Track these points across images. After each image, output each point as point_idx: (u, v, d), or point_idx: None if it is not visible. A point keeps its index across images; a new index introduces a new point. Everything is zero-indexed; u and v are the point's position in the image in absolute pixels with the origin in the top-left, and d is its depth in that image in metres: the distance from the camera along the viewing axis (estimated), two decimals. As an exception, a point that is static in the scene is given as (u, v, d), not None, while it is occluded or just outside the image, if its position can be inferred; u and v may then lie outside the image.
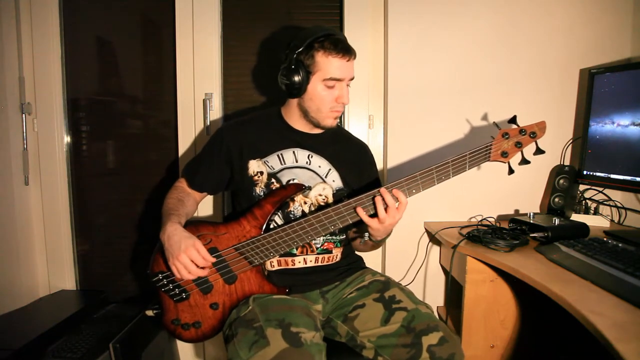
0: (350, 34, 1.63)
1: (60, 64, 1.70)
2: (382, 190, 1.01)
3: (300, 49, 1.09)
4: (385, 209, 1.01)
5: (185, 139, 1.69)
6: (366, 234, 1.10)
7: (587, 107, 1.42)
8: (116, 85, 1.79)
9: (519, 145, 1.02)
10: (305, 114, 1.17)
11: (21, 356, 1.24)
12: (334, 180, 1.21)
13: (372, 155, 1.35)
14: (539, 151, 1.02)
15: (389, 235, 1.12)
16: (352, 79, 1.15)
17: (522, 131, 1.02)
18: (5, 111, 1.62)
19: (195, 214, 1.51)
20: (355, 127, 1.68)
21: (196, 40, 1.64)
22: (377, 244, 1.17)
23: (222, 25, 1.67)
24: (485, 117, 1.58)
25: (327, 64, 1.09)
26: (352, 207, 1.04)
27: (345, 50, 1.09)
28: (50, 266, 1.76)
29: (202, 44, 1.64)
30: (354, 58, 1.13)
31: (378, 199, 1.01)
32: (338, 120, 1.20)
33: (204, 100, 1.65)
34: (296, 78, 1.09)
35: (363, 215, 1.02)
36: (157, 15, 1.73)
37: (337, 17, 1.67)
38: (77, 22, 1.72)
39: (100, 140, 1.79)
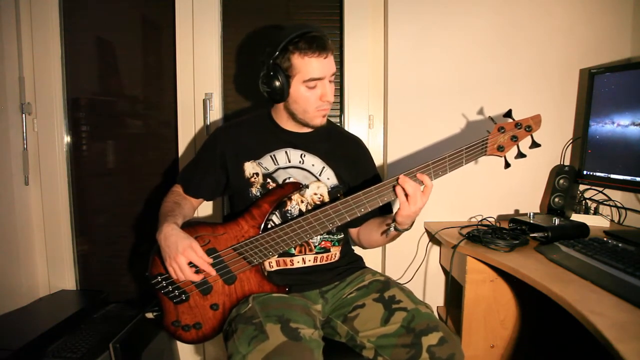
0: (350, 34, 1.64)
1: (60, 64, 1.70)
2: (405, 179, 0.99)
3: (276, 54, 1.07)
4: (407, 197, 0.99)
5: (185, 139, 1.69)
6: (393, 225, 1.08)
7: (587, 107, 1.42)
8: (116, 85, 1.79)
9: (514, 139, 1.02)
10: (293, 116, 1.16)
11: (21, 356, 1.24)
12: (328, 178, 1.21)
13: (366, 149, 1.34)
14: (534, 144, 1.03)
15: (411, 225, 1.09)
16: (333, 74, 1.12)
17: (517, 125, 1.02)
18: (5, 111, 1.62)
19: (195, 214, 1.51)
20: (355, 127, 1.68)
21: (196, 40, 1.64)
22: (398, 234, 1.13)
23: (222, 25, 1.67)
24: (485, 117, 1.58)
25: (304, 65, 1.06)
26: (350, 205, 1.03)
27: (322, 48, 1.06)
28: (50, 266, 1.76)
29: (202, 44, 1.64)
30: (332, 53, 1.10)
31: (401, 182, 0.99)
32: (326, 120, 1.18)
33: (204, 100, 1.65)
34: (277, 84, 1.08)
35: (401, 193, 0.99)
36: (157, 15, 1.73)
37: (337, 17, 1.67)
38: (77, 22, 1.72)
39: (100, 140, 1.79)
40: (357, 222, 1.24)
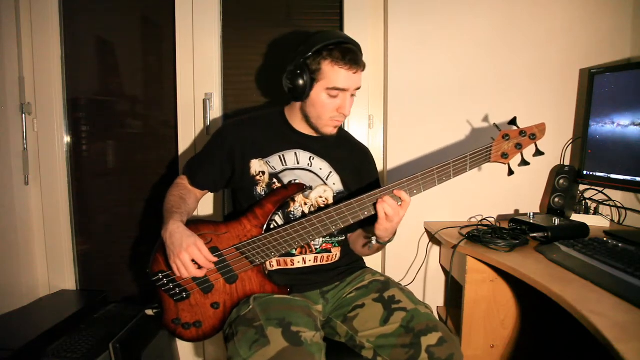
0: (350, 34, 1.61)
1: (60, 64, 1.70)
2: (384, 196, 1.02)
3: (308, 55, 1.08)
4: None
5: (185, 139, 1.69)
6: (374, 238, 1.10)
7: (587, 107, 1.42)
8: (116, 85, 1.79)
9: (519, 147, 1.03)
10: (306, 118, 1.17)
11: (21, 356, 1.24)
12: (334, 183, 1.21)
13: (373, 159, 1.35)
14: (538, 153, 1.03)
15: (393, 236, 1.12)
16: (358, 88, 1.13)
17: (522, 133, 1.03)
18: (5, 111, 1.62)
19: (195, 213, 1.51)
20: (355, 127, 1.68)
21: (196, 40, 1.64)
22: (382, 246, 1.16)
23: (222, 25, 1.67)
24: (485, 117, 1.58)
25: (332, 73, 1.07)
26: (354, 207, 1.04)
27: (354, 62, 1.07)
28: (50, 266, 1.76)
29: (202, 44, 1.64)
30: (363, 70, 1.11)
31: (380, 201, 1.02)
32: (337, 129, 1.19)
33: (204, 100, 1.65)
34: (300, 83, 1.09)
35: (380, 208, 1.02)
36: (157, 15, 1.73)
37: (337, 17, 1.67)
38: (77, 22, 1.72)
39: (100, 140, 1.79)
40: (355, 226, 1.24)
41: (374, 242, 1.11)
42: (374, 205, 1.03)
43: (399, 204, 1.02)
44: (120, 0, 1.73)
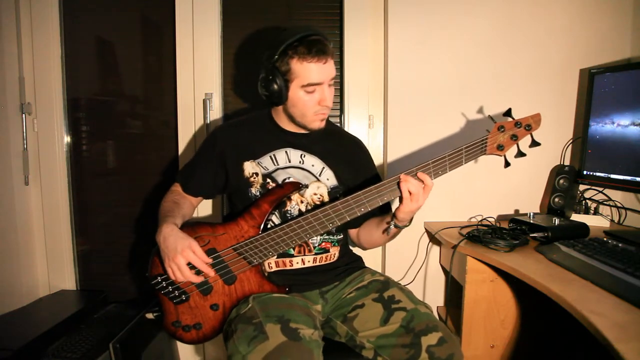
0: (350, 34, 1.64)
1: (60, 64, 1.70)
2: (406, 176, 1.00)
3: (275, 57, 1.06)
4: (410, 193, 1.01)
5: (185, 139, 1.69)
6: (393, 222, 1.09)
7: (587, 107, 1.42)
8: (116, 85, 1.79)
9: (514, 138, 1.03)
10: (291, 118, 1.16)
11: (21, 356, 1.24)
12: (328, 179, 1.21)
13: (367, 150, 1.34)
14: (534, 143, 1.03)
15: (410, 222, 1.10)
16: (333, 78, 1.11)
17: (517, 124, 1.02)
18: (5, 111, 1.62)
19: (195, 214, 1.51)
20: (355, 127, 1.68)
21: (196, 40, 1.64)
22: (399, 230, 1.13)
23: (222, 25, 1.67)
24: (485, 117, 1.58)
25: (303, 70, 1.05)
26: (350, 204, 1.04)
27: (321, 53, 1.05)
28: (50, 266, 1.76)
29: (202, 44, 1.64)
30: (332, 57, 1.08)
31: (403, 181, 1.00)
32: (325, 122, 1.17)
33: (204, 100, 1.65)
34: (275, 87, 1.07)
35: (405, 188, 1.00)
36: (157, 15, 1.73)
37: (337, 17, 1.67)
38: (77, 22, 1.72)
39: (100, 140, 1.79)
40: (357, 222, 1.24)
41: (392, 226, 1.09)
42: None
43: (422, 187, 1.01)
44: (120, 0, 1.73)
